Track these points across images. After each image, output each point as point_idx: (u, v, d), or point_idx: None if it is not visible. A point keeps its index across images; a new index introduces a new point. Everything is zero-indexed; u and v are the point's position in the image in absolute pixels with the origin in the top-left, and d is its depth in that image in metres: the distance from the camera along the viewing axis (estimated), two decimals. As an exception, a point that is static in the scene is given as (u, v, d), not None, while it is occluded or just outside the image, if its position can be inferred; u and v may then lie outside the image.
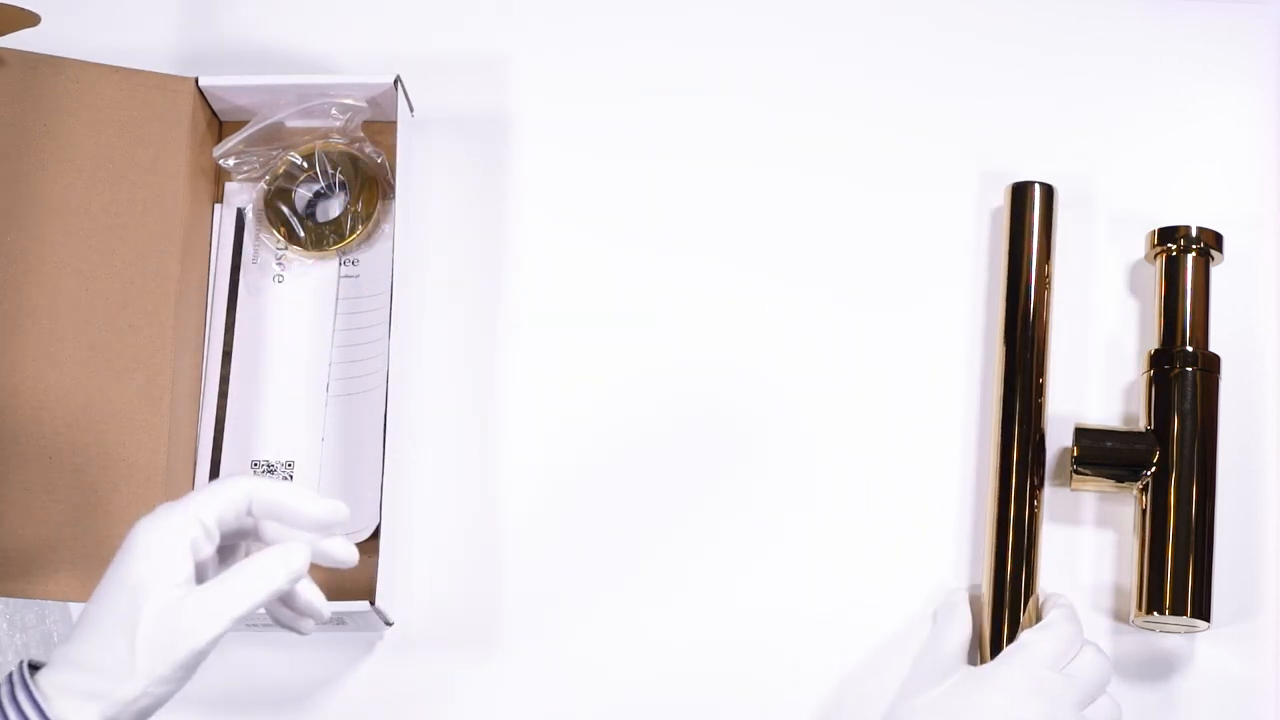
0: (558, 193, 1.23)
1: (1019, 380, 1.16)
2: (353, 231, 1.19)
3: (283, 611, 0.96)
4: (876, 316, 1.21)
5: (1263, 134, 1.24)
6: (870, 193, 1.23)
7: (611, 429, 1.19)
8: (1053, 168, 1.22)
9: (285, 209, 1.20)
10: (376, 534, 1.12)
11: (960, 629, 1.12)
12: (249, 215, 1.20)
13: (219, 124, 1.22)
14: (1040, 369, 1.16)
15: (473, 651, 1.16)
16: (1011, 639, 1.11)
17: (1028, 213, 1.19)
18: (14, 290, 1.13)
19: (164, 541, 0.90)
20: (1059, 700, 1.05)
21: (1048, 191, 1.19)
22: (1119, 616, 1.16)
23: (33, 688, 0.88)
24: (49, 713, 0.87)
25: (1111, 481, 1.16)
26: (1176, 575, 1.12)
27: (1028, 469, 1.14)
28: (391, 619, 1.13)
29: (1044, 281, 1.18)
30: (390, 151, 1.19)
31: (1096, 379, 1.20)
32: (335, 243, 1.19)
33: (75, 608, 1.16)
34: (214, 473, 1.17)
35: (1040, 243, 1.18)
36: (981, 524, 1.17)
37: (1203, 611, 1.12)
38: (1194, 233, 1.18)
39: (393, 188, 1.18)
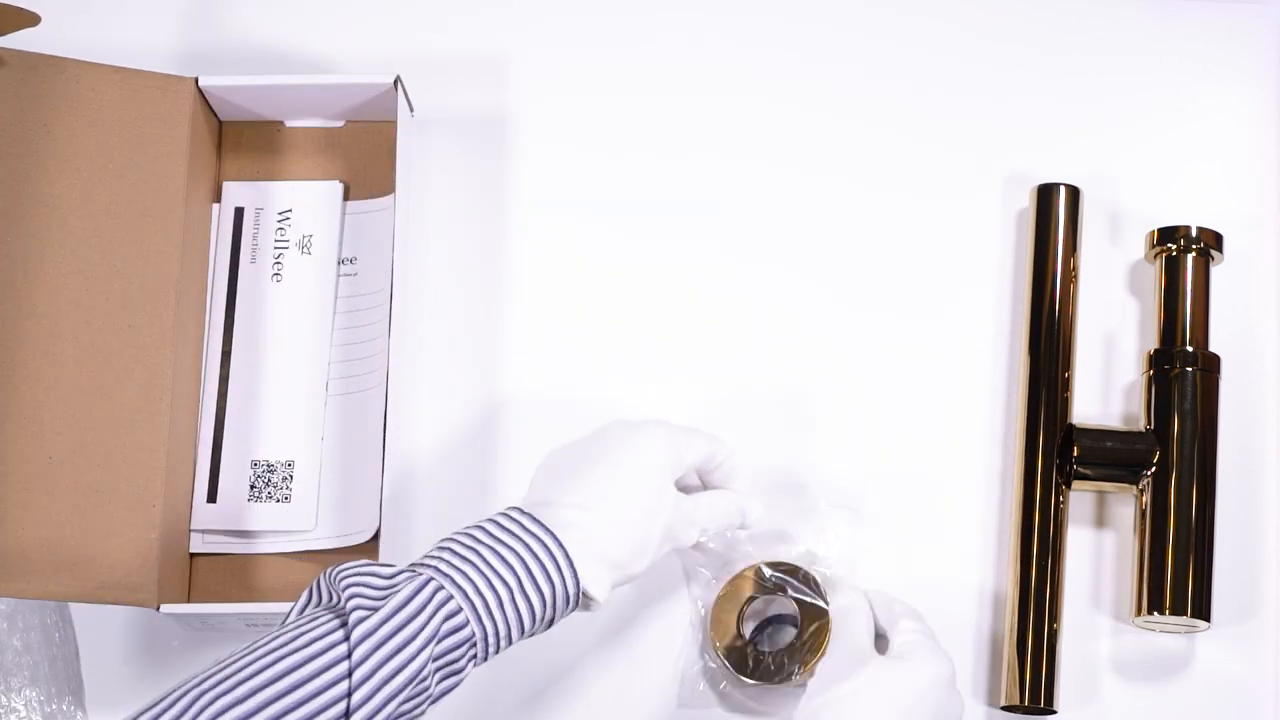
0: (558, 192, 1.23)
1: (1044, 381, 1.16)
2: (802, 667, 1.12)
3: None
4: (894, 318, 1.20)
5: (1263, 134, 1.24)
6: (870, 193, 1.23)
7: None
8: (1053, 168, 1.22)
9: (739, 626, 1.14)
10: (376, 536, 1.12)
11: (866, 619, 1.09)
12: (702, 615, 1.15)
13: (219, 124, 1.22)
14: (1066, 369, 1.16)
15: (473, 651, 1.16)
16: (1038, 640, 1.11)
17: (1053, 214, 1.19)
18: (14, 290, 1.12)
19: (681, 453, 1.06)
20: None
21: (1073, 193, 1.19)
22: (1119, 616, 1.16)
23: (567, 547, 0.99)
24: (581, 577, 0.99)
25: (1111, 481, 1.16)
26: (1176, 575, 1.12)
27: (1053, 469, 1.14)
28: (391, 619, 1.13)
29: (1069, 284, 1.18)
30: (390, 151, 1.19)
31: (1096, 379, 1.20)
32: (780, 678, 1.12)
33: (76, 608, 1.16)
34: (214, 473, 1.17)
35: (1066, 245, 1.19)
36: (1006, 525, 1.16)
37: (1203, 611, 1.12)
38: (1194, 233, 1.18)
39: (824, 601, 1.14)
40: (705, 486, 1.11)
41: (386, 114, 1.20)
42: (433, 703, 0.96)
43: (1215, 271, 1.19)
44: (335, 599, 0.95)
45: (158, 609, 1.10)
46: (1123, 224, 1.22)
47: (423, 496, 1.18)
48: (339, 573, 0.95)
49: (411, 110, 1.21)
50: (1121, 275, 1.22)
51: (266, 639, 0.92)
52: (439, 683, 0.96)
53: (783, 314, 1.21)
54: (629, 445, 1.05)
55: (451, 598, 0.95)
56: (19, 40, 1.15)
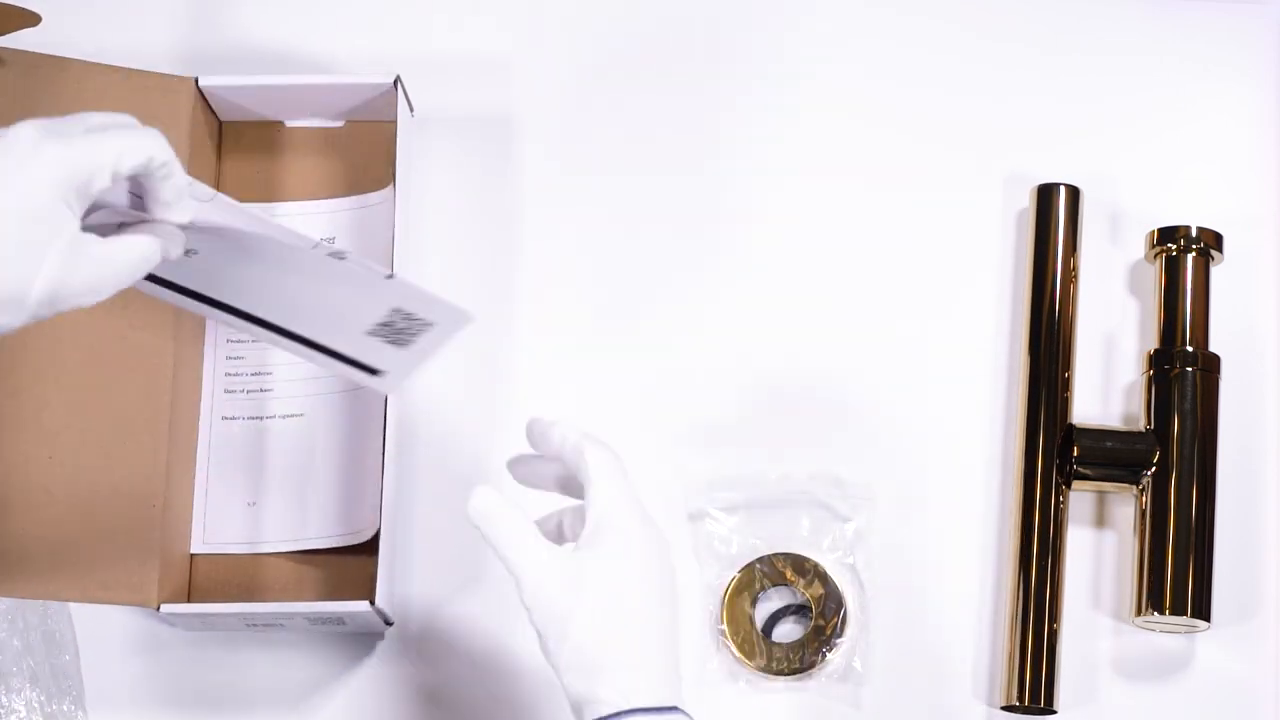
0: (558, 192, 1.23)
1: (1044, 381, 1.16)
2: (816, 658, 1.13)
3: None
4: (894, 318, 1.20)
5: (1263, 134, 1.24)
6: (870, 193, 1.23)
7: (613, 430, 1.19)
8: (1053, 168, 1.22)
9: (749, 616, 1.14)
10: (376, 536, 1.12)
11: (526, 526, 0.97)
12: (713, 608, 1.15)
13: (219, 124, 1.22)
14: (1066, 369, 1.16)
15: (473, 651, 1.16)
16: (1038, 640, 1.12)
17: (1053, 214, 1.19)
18: (14, 290, 1.12)
19: (79, 183, 0.84)
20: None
21: (1073, 193, 1.19)
22: (1119, 616, 1.16)
23: None
24: None
25: (1111, 481, 1.16)
26: (1176, 575, 1.12)
27: (1053, 469, 1.14)
28: (391, 619, 1.13)
29: (1069, 284, 1.18)
30: (390, 151, 1.19)
31: (1096, 379, 1.20)
32: (793, 670, 1.13)
33: (76, 608, 1.16)
34: (214, 473, 1.17)
35: (1066, 245, 1.19)
36: (1006, 525, 1.16)
37: (1203, 611, 1.12)
38: (1194, 233, 1.18)
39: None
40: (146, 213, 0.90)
41: (386, 114, 1.20)
42: None
43: (1215, 271, 1.19)
44: None
45: (158, 609, 1.10)
46: (1123, 224, 1.22)
47: (423, 496, 1.18)
48: None
49: (411, 110, 1.21)
50: (1121, 275, 1.22)
51: None
52: None
53: (783, 313, 1.21)
54: (18, 157, 0.84)
55: None
56: (19, 40, 1.15)
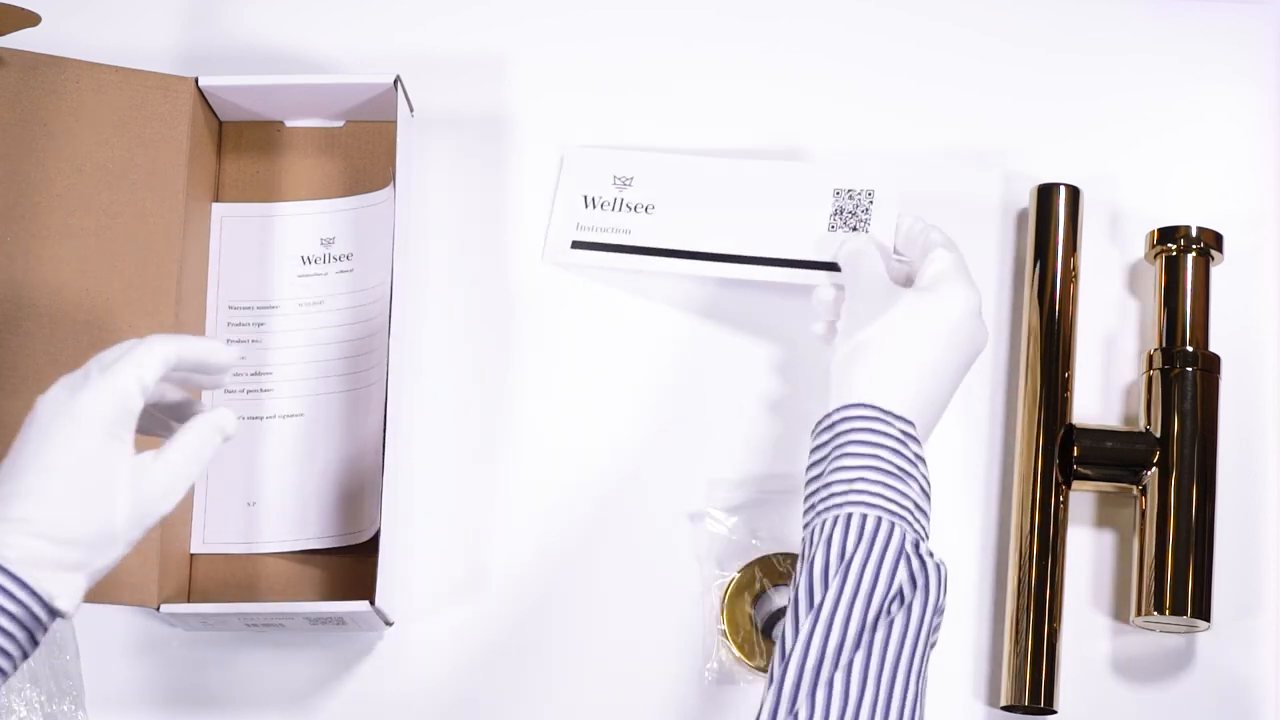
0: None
1: (1044, 381, 1.16)
2: None
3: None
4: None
5: (1263, 134, 1.24)
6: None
7: (612, 431, 1.19)
8: (1053, 167, 1.22)
9: (749, 616, 1.15)
10: (376, 536, 1.12)
11: (876, 258, 1.10)
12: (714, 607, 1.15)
13: (219, 124, 1.22)
14: (1066, 369, 1.16)
15: (473, 651, 1.16)
16: (1038, 640, 1.12)
17: (1053, 214, 1.19)
18: (14, 290, 1.13)
19: (117, 412, 0.91)
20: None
21: (1073, 193, 1.19)
22: (1119, 616, 1.16)
23: (11, 569, 0.87)
24: (38, 590, 0.88)
25: (1111, 481, 1.16)
26: (1176, 575, 1.12)
27: (1053, 469, 1.15)
28: (391, 619, 1.13)
29: (1069, 284, 1.18)
30: (390, 151, 1.19)
31: (1096, 379, 1.20)
32: None
33: (75, 608, 1.16)
34: (213, 472, 1.17)
35: (1066, 245, 1.19)
36: (1006, 525, 1.16)
37: (1203, 611, 1.12)
38: (1194, 233, 1.18)
39: None
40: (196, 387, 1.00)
41: (386, 114, 1.20)
42: None
43: (1215, 271, 1.19)
44: None
45: (158, 609, 1.10)
46: (1123, 224, 1.22)
47: (423, 496, 1.18)
48: None
49: (411, 110, 1.21)
50: (1121, 275, 1.22)
51: None
52: None
53: (783, 313, 1.21)
54: (59, 421, 0.91)
55: None
56: (19, 40, 1.15)
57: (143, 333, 1.11)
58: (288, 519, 1.16)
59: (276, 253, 1.20)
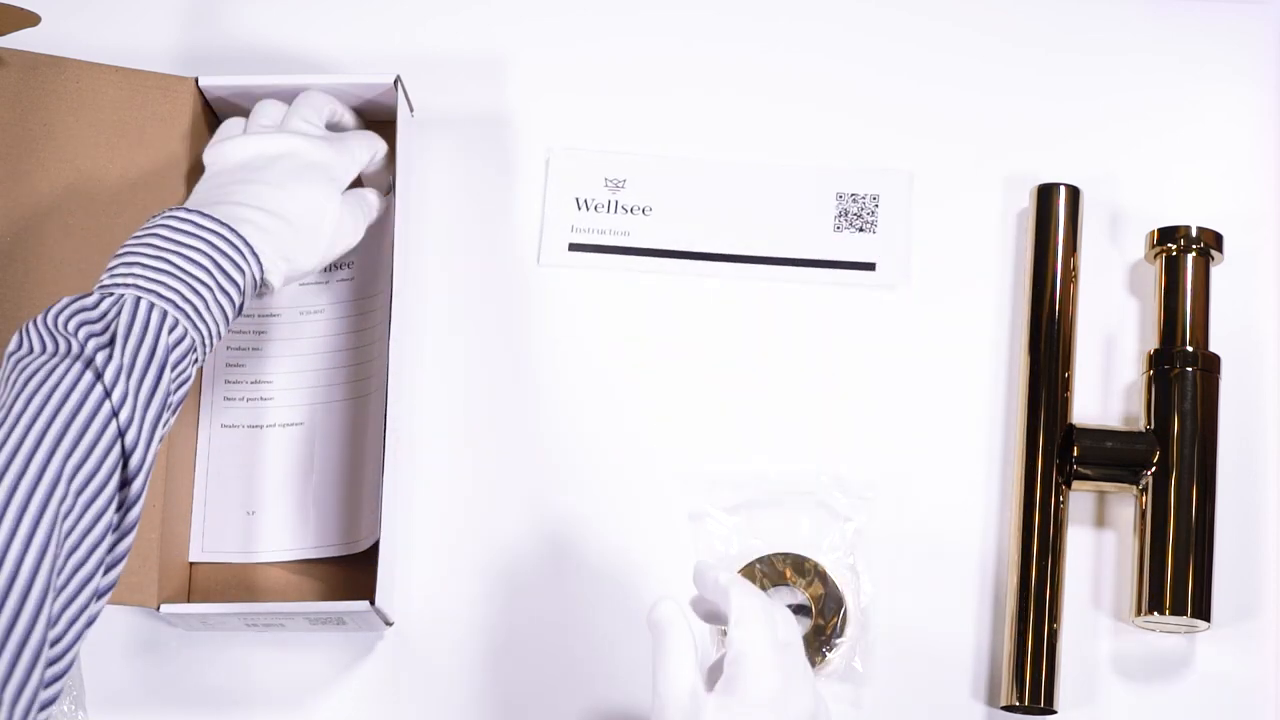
0: (558, 192, 1.23)
1: (1044, 381, 1.16)
2: (817, 659, 1.13)
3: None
4: (893, 317, 1.20)
5: (1263, 134, 1.24)
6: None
7: (612, 431, 1.19)
8: (1053, 168, 1.22)
9: None
10: (374, 546, 1.11)
11: (683, 653, 0.95)
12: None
13: (219, 124, 1.22)
14: (1066, 369, 1.16)
15: (473, 651, 1.16)
16: (1038, 640, 1.12)
17: (1053, 214, 1.19)
18: (14, 290, 1.12)
19: (347, 176, 1.13)
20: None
21: (1073, 193, 1.19)
22: (1119, 616, 1.16)
23: (247, 238, 1.04)
24: (265, 264, 1.05)
25: (1111, 481, 1.16)
26: (1176, 575, 1.12)
27: (1053, 469, 1.14)
28: (391, 619, 1.13)
29: (1069, 284, 1.18)
30: (390, 151, 1.19)
31: (1096, 379, 1.20)
32: None
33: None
34: (212, 481, 1.17)
35: (1066, 245, 1.19)
36: (1006, 525, 1.16)
37: (1203, 611, 1.12)
38: (1194, 233, 1.18)
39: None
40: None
41: (386, 114, 1.20)
42: (173, 413, 0.99)
43: (1215, 271, 1.19)
44: (58, 344, 0.95)
45: (158, 609, 1.10)
46: (1123, 224, 1.22)
47: (423, 496, 1.18)
48: (56, 316, 0.96)
49: (411, 110, 1.21)
50: (1121, 275, 1.22)
51: (16, 399, 0.92)
52: (176, 393, 0.99)
53: (783, 313, 1.21)
54: (313, 170, 1.11)
55: (166, 313, 0.98)
56: (19, 40, 1.15)
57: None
58: (287, 528, 1.15)
59: None
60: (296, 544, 1.15)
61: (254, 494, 1.16)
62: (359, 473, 1.15)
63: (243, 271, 1.03)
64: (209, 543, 1.16)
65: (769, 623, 0.96)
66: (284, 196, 1.08)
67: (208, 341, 1.01)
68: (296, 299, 1.19)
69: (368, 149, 1.16)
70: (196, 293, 1.00)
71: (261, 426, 1.17)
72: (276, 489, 1.16)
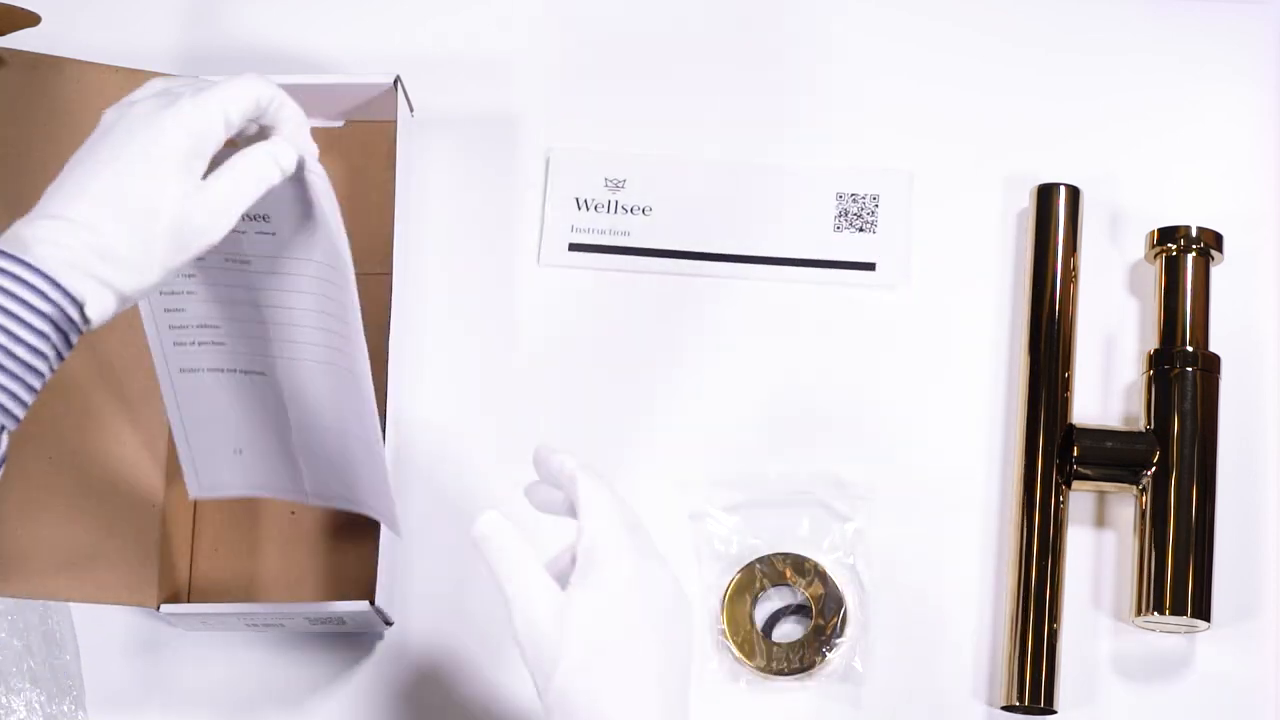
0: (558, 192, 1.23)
1: (1044, 381, 1.16)
2: (818, 659, 1.13)
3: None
4: (893, 317, 1.20)
5: (1263, 134, 1.24)
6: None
7: (612, 431, 1.19)
8: (1053, 168, 1.22)
9: (749, 616, 1.14)
10: (376, 534, 1.11)
11: (526, 558, 0.92)
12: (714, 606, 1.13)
13: (219, 124, 1.22)
14: (1066, 369, 1.16)
15: (473, 651, 1.16)
16: (1038, 640, 1.12)
17: (1053, 214, 1.19)
18: (14, 290, 1.12)
19: (194, 141, 0.89)
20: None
21: (1073, 193, 1.19)
22: (1119, 616, 1.16)
23: (32, 261, 0.84)
24: (68, 288, 0.85)
25: (1111, 481, 1.16)
26: (1176, 575, 1.12)
27: (1053, 469, 1.15)
28: (391, 619, 1.13)
29: (1069, 284, 1.18)
30: (390, 151, 1.19)
31: (1096, 379, 1.20)
32: (793, 670, 1.13)
33: (76, 608, 1.16)
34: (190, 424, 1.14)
35: (1066, 245, 1.19)
36: (1006, 525, 1.16)
37: (1203, 611, 1.12)
38: (1194, 233, 1.18)
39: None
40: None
41: (386, 114, 1.20)
42: None
43: (1215, 271, 1.19)
44: None
45: (158, 609, 1.10)
46: (1123, 224, 1.22)
47: (423, 496, 1.18)
48: None
49: (411, 110, 1.21)
50: (1121, 275, 1.22)
51: None
52: None
53: (783, 313, 1.21)
54: (135, 134, 0.88)
55: None
56: (19, 40, 1.15)
57: (143, 331, 1.12)
58: (282, 471, 1.10)
59: None
60: (295, 487, 1.10)
61: (238, 434, 1.10)
62: (344, 441, 1.08)
63: (40, 313, 0.84)
64: (204, 480, 1.11)
65: (619, 507, 0.93)
66: (99, 200, 0.87)
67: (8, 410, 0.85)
68: (224, 246, 1.00)
69: (243, 94, 0.91)
70: None
71: (223, 370, 1.08)
72: (257, 432, 1.10)
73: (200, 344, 1.08)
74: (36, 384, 0.85)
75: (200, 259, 0.98)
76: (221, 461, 1.11)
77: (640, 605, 0.90)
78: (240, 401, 1.09)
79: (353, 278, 1.01)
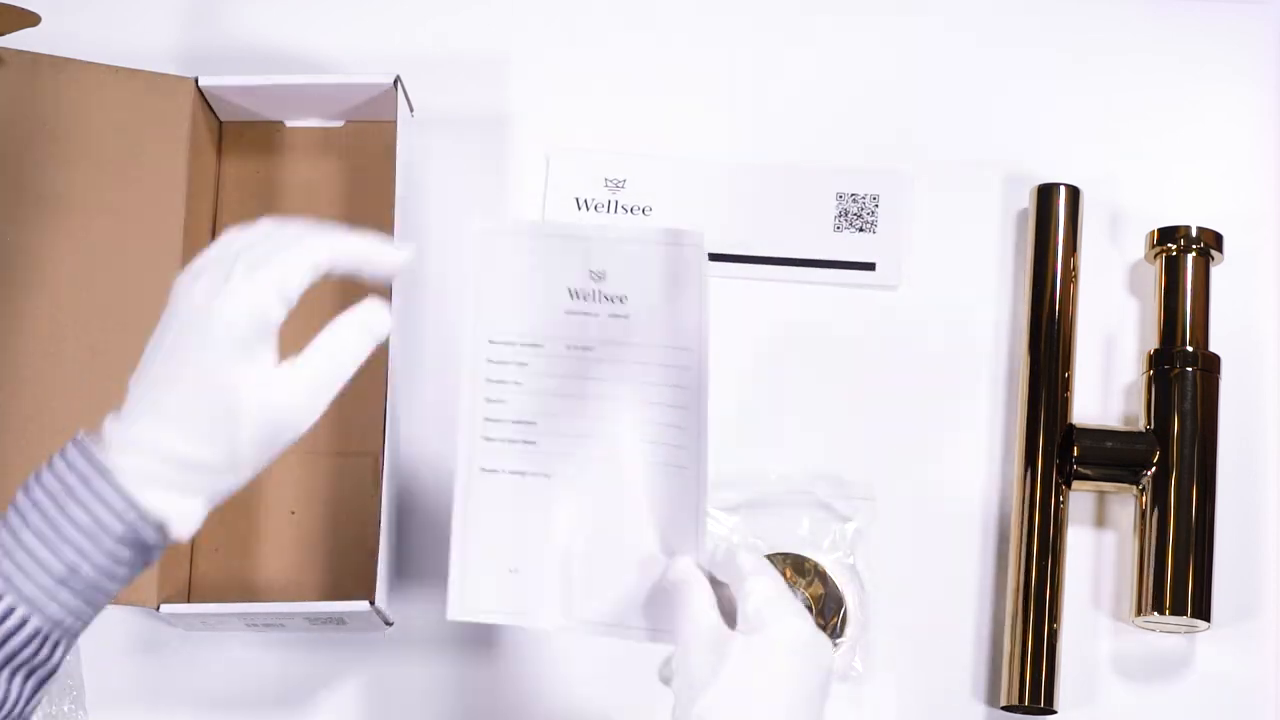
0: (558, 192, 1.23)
1: (1044, 381, 1.16)
2: None
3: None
4: (893, 317, 1.20)
5: (1263, 134, 1.24)
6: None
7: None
8: (1053, 168, 1.22)
9: None
10: (376, 534, 1.11)
11: (703, 598, 0.93)
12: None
13: (219, 124, 1.22)
14: (1066, 369, 1.16)
15: (473, 651, 1.16)
16: (1038, 640, 1.12)
17: (1053, 214, 1.19)
18: (14, 290, 1.12)
19: (251, 324, 0.82)
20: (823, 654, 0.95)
21: (1073, 193, 1.19)
22: (1119, 616, 1.16)
23: (115, 476, 0.81)
24: (148, 511, 0.82)
25: (1111, 481, 1.16)
26: (1176, 575, 1.12)
27: (1053, 469, 1.15)
28: (391, 619, 1.13)
29: (1069, 284, 1.18)
30: (390, 151, 1.19)
31: (1096, 379, 1.20)
32: None
33: (75, 608, 1.16)
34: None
35: (1066, 245, 1.19)
36: (1006, 525, 1.16)
37: (1203, 611, 1.12)
38: (1194, 233, 1.18)
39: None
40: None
41: (386, 114, 1.20)
42: (29, 704, 0.83)
43: (1215, 271, 1.19)
44: None
45: (158, 609, 1.10)
46: (1123, 224, 1.22)
47: (423, 496, 1.18)
48: None
49: (411, 110, 1.21)
50: (1121, 275, 1.22)
51: None
52: (24, 685, 0.83)
53: (783, 313, 1.21)
54: (191, 328, 0.83)
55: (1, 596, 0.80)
56: (19, 40, 1.15)
57: (143, 334, 1.12)
58: (549, 593, 1.00)
59: None
60: (562, 610, 1.00)
61: (518, 550, 1.01)
62: (644, 551, 0.99)
63: (110, 531, 0.82)
64: (469, 601, 1.01)
65: (779, 576, 0.95)
66: (177, 400, 0.82)
67: (66, 626, 0.84)
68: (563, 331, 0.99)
69: (298, 267, 0.84)
70: (41, 565, 0.82)
71: (525, 474, 1.00)
72: (540, 547, 1.00)
73: (511, 441, 1.01)
74: (104, 601, 0.83)
75: (538, 345, 0.96)
76: (492, 580, 1.01)
77: (791, 660, 0.92)
78: (532, 510, 1.00)
79: (709, 363, 0.95)
